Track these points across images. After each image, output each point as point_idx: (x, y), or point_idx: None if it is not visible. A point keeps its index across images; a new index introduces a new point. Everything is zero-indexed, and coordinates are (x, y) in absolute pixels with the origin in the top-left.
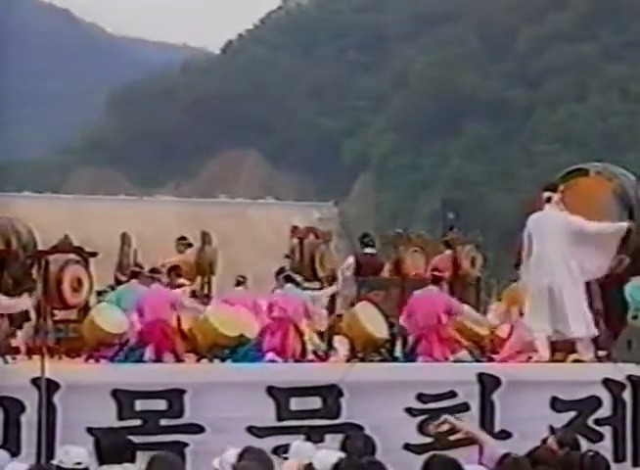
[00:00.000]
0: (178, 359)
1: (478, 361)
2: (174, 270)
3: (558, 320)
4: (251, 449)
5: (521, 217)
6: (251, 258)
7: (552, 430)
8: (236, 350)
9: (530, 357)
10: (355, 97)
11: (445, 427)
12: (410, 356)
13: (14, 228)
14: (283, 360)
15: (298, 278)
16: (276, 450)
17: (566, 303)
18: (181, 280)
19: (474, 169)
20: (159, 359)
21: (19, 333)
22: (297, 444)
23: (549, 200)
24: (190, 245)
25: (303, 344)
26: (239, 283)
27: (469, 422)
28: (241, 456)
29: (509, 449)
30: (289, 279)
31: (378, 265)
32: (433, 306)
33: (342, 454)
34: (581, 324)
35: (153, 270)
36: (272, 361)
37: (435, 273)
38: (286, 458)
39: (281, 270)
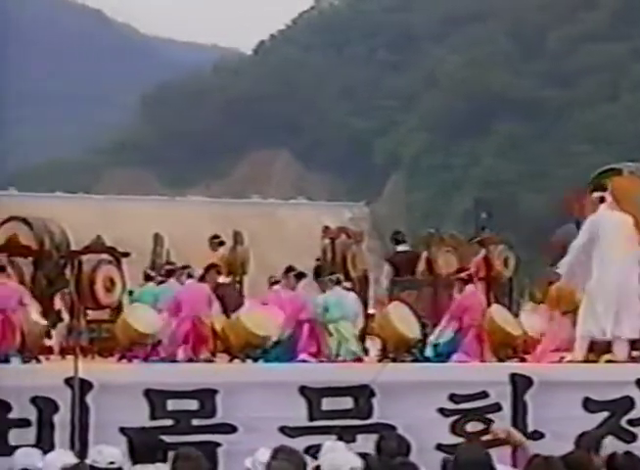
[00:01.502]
0: (209, 358)
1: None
2: (214, 268)
3: (613, 321)
4: (284, 449)
5: (553, 217)
6: (282, 258)
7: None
8: (268, 350)
9: (563, 358)
10: (386, 97)
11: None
12: (449, 348)
13: (47, 228)
14: (316, 361)
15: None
16: (308, 450)
17: (627, 304)
18: (221, 278)
19: (505, 169)
20: (191, 359)
21: (52, 333)
22: (329, 444)
23: (602, 200)
24: (222, 243)
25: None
26: (274, 283)
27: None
28: (274, 455)
29: (542, 450)
30: (301, 277)
31: (413, 262)
32: (480, 305)
33: (357, 459)
34: (635, 326)
35: (185, 267)
36: (304, 361)
37: (466, 273)
38: (316, 458)
39: (318, 268)
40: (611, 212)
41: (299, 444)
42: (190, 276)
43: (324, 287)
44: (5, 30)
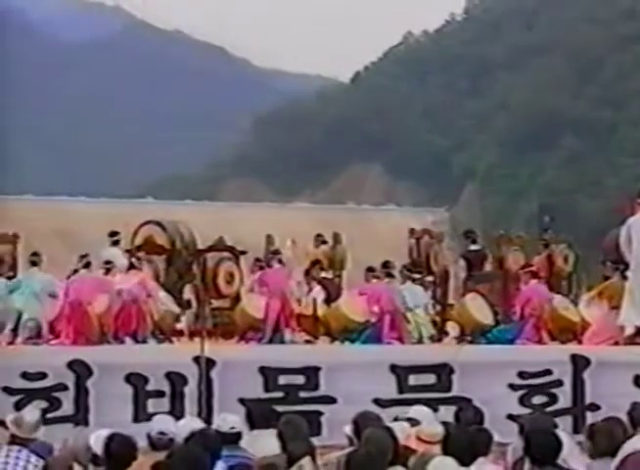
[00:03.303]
0: (313, 340)
1: None
2: (317, 264)
3: None
4: (369, 415)
5: (607, 220)
6: (374, 256)
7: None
8: (362, 333)
9: (617, 343)
10: (463, 118)
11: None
12: (512, 334)
13: (178, 230)
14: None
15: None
16: (397, 419)
17: None
18: (323, 273)
19: (565, 179)
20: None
21: (183, 318)
22: (416, 408)
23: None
24: (325, 242)
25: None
26: (374, 277)
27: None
28: (360, 422)
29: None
30: (390, 274)
31: (483, 259)
32: (541, 297)
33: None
34: None
35: (275, 252)
36: (390, 343)
37: (532, 269)
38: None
39: (385, 263)
40: None
41: (390, 413)
42: (280, 262)
43: (404, 280)
44: (139, 63)
